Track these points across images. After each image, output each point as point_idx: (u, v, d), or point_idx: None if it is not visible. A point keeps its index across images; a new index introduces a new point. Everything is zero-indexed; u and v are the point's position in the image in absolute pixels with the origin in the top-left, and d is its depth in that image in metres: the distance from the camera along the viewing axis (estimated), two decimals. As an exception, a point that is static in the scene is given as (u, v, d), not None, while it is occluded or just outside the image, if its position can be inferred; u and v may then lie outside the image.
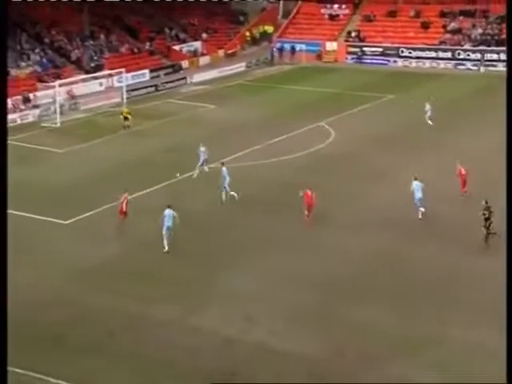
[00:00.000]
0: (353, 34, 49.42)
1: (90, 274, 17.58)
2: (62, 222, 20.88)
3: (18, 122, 33.04)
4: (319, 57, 48.88)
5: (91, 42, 43.17)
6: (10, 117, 32.91)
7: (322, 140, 29.39)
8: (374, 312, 15.60)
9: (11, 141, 29.74)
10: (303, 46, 48.84)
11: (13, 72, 37.01)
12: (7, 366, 10.87)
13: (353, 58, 48.33)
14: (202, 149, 24.68)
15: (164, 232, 18.78)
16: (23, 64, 38.18)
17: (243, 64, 46.88)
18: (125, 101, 35.89)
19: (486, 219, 18.24)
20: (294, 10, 52.54)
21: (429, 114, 30.37)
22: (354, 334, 14.84)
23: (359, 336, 14.73)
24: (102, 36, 44.23)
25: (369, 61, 47.61)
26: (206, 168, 23.54)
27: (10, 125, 32.24)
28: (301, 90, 40.03)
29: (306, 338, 14.72)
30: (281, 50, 48.99)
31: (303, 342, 14.54)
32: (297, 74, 45.09)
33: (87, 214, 21.46)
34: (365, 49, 48.08)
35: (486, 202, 18.39)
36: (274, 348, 14.34)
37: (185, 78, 42.51)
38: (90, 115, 34.52)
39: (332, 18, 51.33)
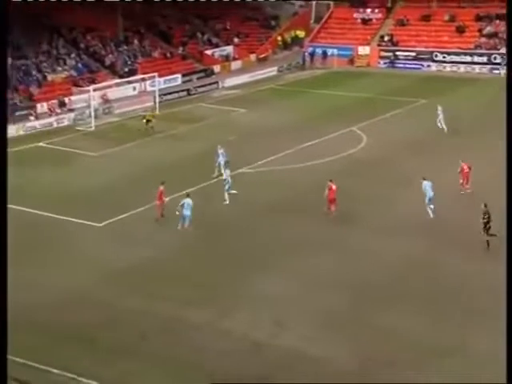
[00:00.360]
0: (386, 39, 49.03)
1: (123, 276, 17.79)
2: (95, 224, 21.19)
3: (54, 125, 33.78)
4: (351, 61, 48.62)
5: (125, 47, 43.86)
6: (47, 121, 33.89)
7: (354, 145, 29.21)
8: (404, 318, 15.42)
9: (47, 144, 30.67)
10: (335, 51, 48.64)
11: (49, 77, 37.88)
12: (7, 366, 10.99)
13: (385, 63, 47.93)
14: (220, 151, 24.99)
15: (182, 222, 19.87)
16: (59, 69, 38.99)
17: (275, 68, 46.95)
18: (157, 105, 36.31)
19: (486, 223, 18.07)
20: (326, 15, 52.42)
21: (441, 117, 29.99)
22: (383, 339, 14.70)
23: (388, 342, 14.58)
24: (136, 41, 44.90)
25: (402, 65, 47.15)
26: (227, 171, 23.58)
27: (46, 128, 33.34)
28: (333, 94, 39.88)
29: (335, 342, 14.65)
30: (312, 54, 48.90)
31: (333, 347, 14.47)
32: (328, 78, 44.95)
33: (121, 217, 21.74)
34: (398, 53, 47.62)
35: (485, 206, 18.27)
36: (304, 353, 14.28)
37: (217, 82, 42.78)
38: (124, 119, 35.02)
39: (365, 22, 51.03)
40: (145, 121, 32.39)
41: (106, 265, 18.47)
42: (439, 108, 30.37)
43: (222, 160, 24.99)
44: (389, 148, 28.41)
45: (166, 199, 21.62)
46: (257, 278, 17.55)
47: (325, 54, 48.74)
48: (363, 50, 48.93)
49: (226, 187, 22.77)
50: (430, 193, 20.77)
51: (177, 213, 20.41)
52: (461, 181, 22.66)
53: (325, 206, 21.10)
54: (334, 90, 40.83)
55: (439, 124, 30.06)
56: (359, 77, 44.66)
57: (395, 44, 48.47)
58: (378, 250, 19.06)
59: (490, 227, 18.11)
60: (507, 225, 13.49)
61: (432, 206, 20.69)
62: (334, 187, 20.91)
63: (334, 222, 20.96)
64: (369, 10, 51.19)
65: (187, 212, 20.18)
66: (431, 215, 20.66)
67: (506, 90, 15.99)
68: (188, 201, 20.32)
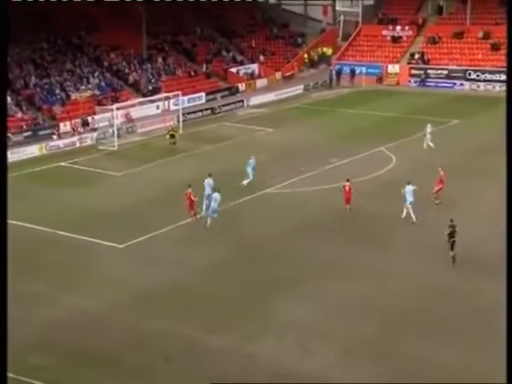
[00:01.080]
0: (416, 56, 49.20)
1: (145, 299, 18.06)
2: (117, 245, 21.59)
3: (77, 144, 34.52)
4: (380, 80, 48.85)
5: (149, 65, 44.79)
6: (69, 140, 34.72)
7: (382, 166, 29.32)
8: (433, 347, 15.34)
9: (70, 163, 31.41)
10: (363, 69, 48.98)
11: (72, 96, 38.82)
12: (7, 367, 11.20)
13: (416, 81, 48.05)
14: (252, 161, 26.52)
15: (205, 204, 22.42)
16: (83, 87, 39.93)
17: (301, 87, 47.45)
18: (181, 124, 36.94)
19: (450, 237, 19.46)
20: (355, 32, 52.90)
21: (428, 136, 30.83)
22: (412, 369, 14.64)
23: (418, 372, 14.50)
24: (160, 59, 45.84)
25: (433, 84, 47.21)
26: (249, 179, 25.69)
27: (69, 148, 34.14)
28: (361, 113, 40.09)
29: (361, 371, 14.63)
30: (340, 72, 49.30)
31: (358, 376, 14.44)
32: (356, 97, 45.23)
33: (143, 238, 22.11)
34: (429, 71, 47.73)
35: (451, 221, 19.81)
36: (329, 379, 14.30)
37: (242, 100, 43.37)
38: (147, 138, 35.67)
39: (394, 39, 51.34)
40: (168, 136, 33.21)
41: (128, 287, 18.78)
42: (428, 126, 31.00)
43: (250, 170, 26.46)
44: (418, 169, 28.43)
45: (196, 199, 22.75)
46: (283, 302, 17.68)
47: (353, 72, 49.09)
48: (393, 68, 49.17)
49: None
50: (410, 198, 22.58)
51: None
52: (436, 188, 24.06)
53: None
54: (362, 109, 41.05)
55: (425, 144, 30.81)
56: (388, 96, 44.85)
57: (426, 62, 48.59)
58: (407, 275, 19.06)
59: (454, 241, 19.49)
60: (507, 235, 13.61)
61: (411, 212, 22.55)
62: (347, 188, 22.94)
63: (362, 246, 21.05)
64: (399, 28, 51.51)
65: (207, 191, 22.68)
66: (414, 219, 22.45)
67: (506, 93, 16.19)
68: (208, 181, 23.45)
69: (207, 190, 23.46)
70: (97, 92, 40.19)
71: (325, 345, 15.66)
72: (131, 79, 42.94)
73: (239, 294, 18.24)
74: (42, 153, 33.11)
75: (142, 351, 15.63)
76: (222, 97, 44.50)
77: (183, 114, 38.31)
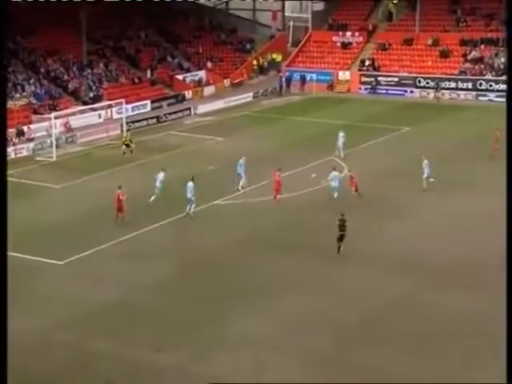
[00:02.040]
0: (367, 63, 50.40)
1: (87, 319, 17.84)
2: (56, 262, 21.24)
3: (12, 156, 33.63)
4: (331, 87, 49.79)
5: (89, 72, 44.29)
6: (4, 150, 33.81)
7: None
8: (389, 359, 15.73)
9: (4, 176, 30.59)
10: (314, 76, 49.83)
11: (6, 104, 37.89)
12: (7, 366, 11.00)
13: (367, 88, 49.21)
14: (242, 161, 27.52)
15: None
16: (17, 95, 39.13)
17: (250, 94, 47.87)
18: (125, 133, 36.58)
19: (339, 230, 21.40)
20: (305, 38, 53.81)
21: (340, 142, 32.40)
22: (367, 379, 14.97)
23: (373, 382, 14.85)
24: (101, 65, 45.39)
25: (384, 91, 48.46)
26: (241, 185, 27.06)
27: (3, 159, 33.27)
28: (311, 121, 40.75)
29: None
30: (290, 79, 49.98)
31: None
32: (307, 104, 45.95)
33: (84, 254, 21.84)
34: (380, 78, 48.99)
35: (342, 215, 21.71)
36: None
37: (189, 108, 43.41)
38: (88, 148, 35.26)
39: (345, 46, 52.49)
40: (124, 146, 32.95)
41: (70, 306, 18.51)
42: (340, 134, 32.48)
43: (241, 171, 27.35)
44: (372, 179, 29.09)
45: (124, 197, 23.10)
46: (235, 317, 17.77)
47: (303, 78, 49.84)
48: (343, 75, 50.21)
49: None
50: (334, 183, 25.89)
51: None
52: (353, 188, 26.48)
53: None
54: (312, 116, 41.74)
55: (338, 151, 32.20)
56: (339, 103, 45.77)
57: (377, 69, 49.89)
58: (363, 289, 19.46)
59: (343, 235, 21.47)
60: (507, 239, 14.24)
61: (336, 194, 25.86)
62: (277, 175, 24.93)
63: (318, 259, 21.38)
64: (349, 34, 52.72)
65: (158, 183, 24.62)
66: (335, 196, 25.83)
67: (506, 94, 17.18)
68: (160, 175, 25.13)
69: (189, 195, 24.62)
70: (33, 100, 39.49)
71: (280, 359, 15.81)
72: (70, 86, 42.38)
73: (187, 310, 18.23)
74: (-28, 165, 32.19)
75: (85, 374, 15.40)
76: (168, 105, 44.48)
77: (127, 123, 38.05)
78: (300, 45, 53.44)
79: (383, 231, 23.65)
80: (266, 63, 53.37)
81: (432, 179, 27.24)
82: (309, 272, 20.51)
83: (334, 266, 20.90)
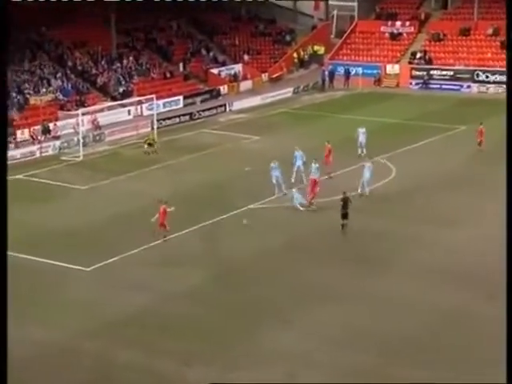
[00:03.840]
0: (418, 56, 50.08)
1: (114, 328, 18.29)
2: (83, 268, 21.80)
3: (37, 155, 34.61)
4: (378, 81, 49.64)
5: (119, 65, 45.12)
6: (28, 149, 34.82)
7: (381, 178, 29.77)
8: (437, 378, 15.72)
9: (28, 176, 31.50)
10: (359, 69, 49.76)
11: (32, 99, 38.95)
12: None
13: (418, 83, 48.88)
14: (298, 153, 28.59)
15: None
16: (43, 90, 40.10)
17: (290, 90, 48.06)
18: (155, 131, 37.24)
19: (342, 207, 23.89)
20: (350, 29, 53.75)
21: (362, 140, 32.73)
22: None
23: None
24: (131, 58, 46.19)
25: (437, 86, 48.07)
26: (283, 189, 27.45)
27: (27, 158, 34.20)
28: (356, 119, 40.64)
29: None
30: (333, 73, 49.99)
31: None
32: (351, 100, 45.89)
33: (112, 260, 22.35)
34: (432, 72, 48.60)
35: (344, 193, 24.20)
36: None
37: (224, 105, 43.81)
38: (117, 147, 35.92)
39: (394, 37, 52.25)
40: (146, 145, 33.53)
41: (95, 314, 18.99)
42: (360, 130, 32.83)
43: (300, 163, 28.28)
44: (421, 182, 28.99)
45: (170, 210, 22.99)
46: (269, 330, 17.99)
47: (347, 72, 49.82)
48: (392, 68, 49.99)
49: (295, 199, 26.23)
50: (367, 175, 27.11)
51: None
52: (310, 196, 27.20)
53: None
54: (358, 114, 41.66)
55: (360, 150, 32.43)
56: (387, 99, 45.57)
57: (429, 62, 49.49)
58: (406, 299, 19.45)
59: (346, 213, 23.89)
60: (507, 239, 14.31)
61: (367, 189, 27.07)
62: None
63: (357, 268, 21.44)
64: (399, 23, 52.47)
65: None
66: (367, 191, 26.87)
67: (506, 93, 16.95)
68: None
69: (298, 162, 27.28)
70: (59, 95, 40.43)
71: (317, 375, 15.96)
72: (99, 81, 43.23)
73: (219, 321, 18.52)
74: (-4, 164, 33.17)
75: (112, 387, 15.83)
76: (202, 101, 44.98)
77: (158, 120, 38.62)
78: (344, 36, 53.44)
79: (433, 239, 23.53)
80: (307, 56, 53.50)
81: None
82: (349, 282, 20.62)
83: (376, 276, 20.94)
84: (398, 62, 50.51)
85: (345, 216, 23.91)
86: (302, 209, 25.88)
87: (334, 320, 18.45)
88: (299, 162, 28.60)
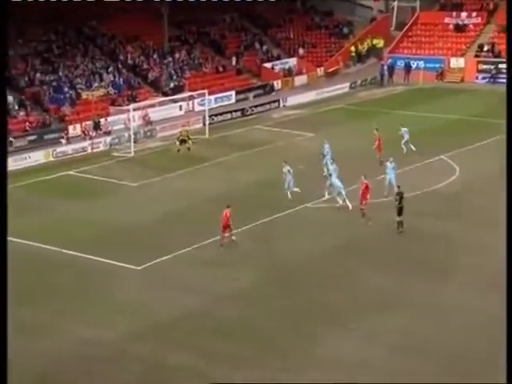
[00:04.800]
0: (485, 48, 49.05)
1: (164, 329, 18.46)
2: (133, 267, 22.09)
3: (88, 150, 35.33)
4: (441, 76, 48.84)
5: (170, 60, 45.64)
6: (79, 145, 35.59)
7: (443, 178, 29.32)
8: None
9: (79, 172, 32.21)
10: (421, 63, 49.06)
11: (83, 94, 39.75)
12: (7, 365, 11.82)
13: (485, 78, 47.87)
14: (286, 169, 27.48)
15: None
16: (95, 85, 40.86)
17: (347, 85, 47.76)
18: (207, 127, 37.52)
19: (398, 203, 23.82)
20: (411, 20, 53.01)
21: (406, 138, 32.44)
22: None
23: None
24: (183, 52, 46.65)
25: (506, 81, 46.85)
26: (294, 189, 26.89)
27: (78, 154, 34.95)
28: (418, 116, 40.11)
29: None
30: (392, 67, 49.43)
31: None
32: (412, 96, 45.28)
33: (163, 259, 22.57)
34: (501, 66, 47.42)
35: (398, 187, 24.45)
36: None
37: (277, 100, 43.87)
38: (168, 144, 36.26)
39: (459, 28, 51.29)
40: (178, 142, 33.57)
41: (146, 315, 19.20)
42: (403, 129, 32.53)
43: (328, 158, 28.66)
44: (487, 183, 28.33)
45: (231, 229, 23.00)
46: (326, 336, 17.87)
47: (408, 67, 49.17)
48: (456, 62, 49.10)
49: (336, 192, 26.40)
50: (391, 175, 26.94)
51: None
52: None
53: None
54: (419, 110, 41.07)
55: (404, 146, 32.16)
56: (451, 95, 44.77)
57: (498, 55, 48.32)
58: (473, 309, 19.01)
59: (401, 207, 23.77)
60: (507, 240, 13.87)
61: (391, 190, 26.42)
62: (365, 183, 24.21)
63: (421, 274, 21.09)
64: (464, 14, 51.47)
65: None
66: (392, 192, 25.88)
67: (506, 93, 17.72)
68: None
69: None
70: (111, 90, 41.10)
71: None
72: (150, 76, 43.82)
73: (273, 325, 18.50)
74: (48, 160, 34.02)
75: (162, 389, 15.98)
76: (255, 96, 45.09)
77: (210, 116, 38.94)
78: (405, 28, 52.77)
79: (497, 244, 22.89)
80: (365, 49, 52.99)
81: None
82: (408, 288, 20.33)
83: (437, 282, 20.60)
84: (463, 55, 49.53)
85: (400, 212, 23.88)
86: (340, 202, 25.83)
87: (393, 327, 18.20)
88: (328, 158, 28.64)
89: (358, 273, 21.37)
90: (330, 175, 26.85)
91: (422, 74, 48.36)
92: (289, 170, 27.11)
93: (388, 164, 27.50)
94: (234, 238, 23.24)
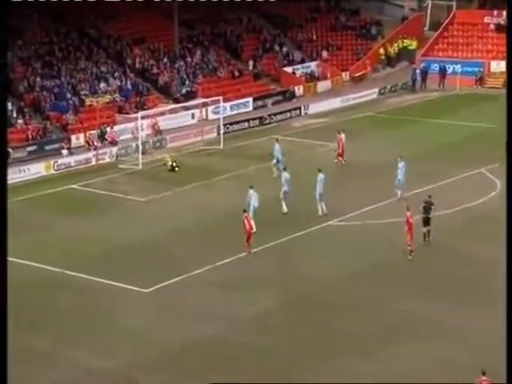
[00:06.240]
0: (528, 50, 48.85)
1: (175, 358, 18.58)
2: (141, 289, 22.28)
3: (93, 162, 35.58)
4: (480, 81, 48.78)
5: (182, 63, 46.04)
6: (83, 156, 35.89)
7: (483, 193, 29.28)
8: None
9: (83, 186, 32.52)
10: (457, 67, 49.06)
11: (87, 101, 40.13)
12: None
13: (528, 83, 47.66)
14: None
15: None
16: (100, 90, 41.24)
17: (375, 90, 47.88)
18: (222, 137, 37.76)
19: (424, 212, 24.40)
20: (447, 20, 53.09)
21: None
22: None
23: None
24: (197, 55, 47.01)
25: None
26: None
27: (82, 166, 35.22)
28: (454, 124, 40.09)
29: None
30: (426, 71, 49.48)
31: None
32: (448, 103, 45.25)
33: (173, 281, 22.76)
34: (545, 70, 47.29)
35: (429, 197, 25.00)
36: None
37: (298, 108, 44.04)
38: (179, 155, 36.44)
39: (500, 28, 51.18)
40: (169, 165, 33.49)
41: (154, 342, 19.35)
42: (399, 164, 29.36)
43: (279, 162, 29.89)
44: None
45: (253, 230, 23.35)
46: (348, 365, 17.94)
47: (443, 71, 49.23)
48: (497, 65, 49.02)
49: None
50: (401, 176, 28.49)
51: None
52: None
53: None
54: (456, 119, 41.03)
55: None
56: (490, 101, 44.54)
57: (542, 58, 48.16)
58: (499, 336, 18.93)
59: (428, 218, 24.45)
60: (507, 234, 13.86)
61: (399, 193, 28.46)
62: (409, 217, 23.87)
63: (449, 297, 21.09)
64: (506, 13, 51.35)
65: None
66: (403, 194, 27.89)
67: (506, 92, 18.04)
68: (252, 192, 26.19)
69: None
70: (117, 97, 41.43)
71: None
72: (160, 81, 44.23)
73: (291, 355, 18.56)
74: (48, 172, 34.33)
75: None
76: (274, 103, 45.34)
77: (224, 125, 39.19)
78: (441, 28, 52.86)
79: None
80: (395, 52, 53.12)
81: None
82: (440, 314, 20.34)
83: (471, 308, 20.64)
84: (504, 58, 49.36)
85: (427, 222, 24.13)
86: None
87: (423, 356, 18.20)
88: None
89: (385, 297, 21.42)
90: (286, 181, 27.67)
91: (458, 78, 48.34)
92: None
93: (398, 164, 28.31)
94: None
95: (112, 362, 18.42)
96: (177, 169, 33.63)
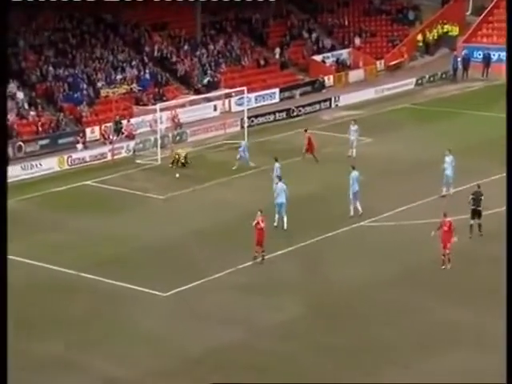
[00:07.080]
0: None
1: (195, 365, 18.85)
2: (159, 293, 22.59)
3: (108, 157, 35.94)
4: (527, 70, 48.40)
5: (204, 51, 46.31)
6: (98, 151, 36.26)
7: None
8: None
9: (98, 183, 32.91)
10: (503, 55, 48.70)
11: (103, 91, 40.41)
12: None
13: None
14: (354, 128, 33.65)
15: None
16: (117, 80, 41.52)
17: (412, 80, 47.83)
18: (246, 130, 37.98)
19: (473, 204, 24.79)
20: (492, 3, 52.77)
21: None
22: None
23: None
24: (220, 43, 47.24)
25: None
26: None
27: (97, 161, 35.55)
28: (499, 117, 39.77)
29: None
30: (468, 60, 49.31)
31: None
32: (492, 94, 44.88)
33: (193, 284, 23.05)
34: None
35: (479, 187, 25.22)
36: None
37: (329, 99, 44.19)
38: (201, 149, 36.81)
39: (548, 13, 50.79)
40: (175, 159, 33.61)
41: (173, 349, 19.64)
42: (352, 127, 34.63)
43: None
44: None
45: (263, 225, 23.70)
46: (381, 377, 18.10)
47: (487, 58, 49.00)
48: (546, 53, 48.57)
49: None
50: (449, 171, 28.93)
51: None
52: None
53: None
54: (501, 111, 40.48)
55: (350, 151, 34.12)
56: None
57: None
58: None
59: (477, 210, 24.80)
60: (507, 229, 13.78)
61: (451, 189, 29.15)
62: (447, 222, 23.65)
63: (495, 306, 21.16)
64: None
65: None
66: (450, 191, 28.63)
67: (506, 92, 19.08)
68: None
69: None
70: (135, 87, 41.57)
71: None
72: (180, 70, 44.48)
73: (316, 364, 18.73)
74: (62, 168, 34.65)
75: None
76: (302, 94, 45.45)
77: (249, 118, 39.36)
78: (484, 12, 52.53)
79: None
80: (435, 38, 52.95)
81: None
82: (482, 323, 20.40)
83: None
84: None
85: (477, 214, 24.22)
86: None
87: (461, 369, 18.32)
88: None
89: (420, 304, 21.54)
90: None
91: (504, 67, 48.05)
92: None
93: (446, 158, 28.43)
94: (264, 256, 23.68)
95: (129, 370, 18.73)
96: (186, 165, 33.71)
